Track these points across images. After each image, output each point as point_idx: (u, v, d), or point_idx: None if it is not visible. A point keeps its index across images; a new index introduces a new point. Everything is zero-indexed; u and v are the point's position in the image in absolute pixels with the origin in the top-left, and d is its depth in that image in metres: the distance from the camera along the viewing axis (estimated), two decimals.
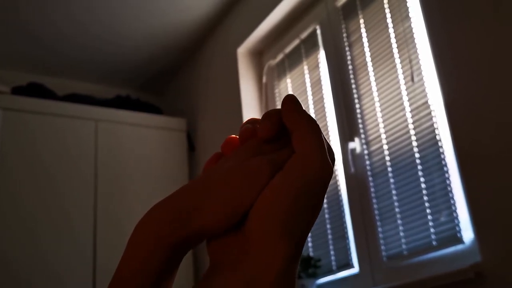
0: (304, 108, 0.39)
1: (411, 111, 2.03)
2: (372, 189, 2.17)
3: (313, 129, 0.38)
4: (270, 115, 0.40)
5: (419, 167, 1.97)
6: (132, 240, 0.37)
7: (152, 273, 0.36)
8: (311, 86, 2.60)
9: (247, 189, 0.37)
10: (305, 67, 2.66)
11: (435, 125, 1.93)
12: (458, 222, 1.80)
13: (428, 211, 1.91)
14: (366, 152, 2.23)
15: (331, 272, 2.34)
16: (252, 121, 0.42)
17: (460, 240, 1.79)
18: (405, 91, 2.07)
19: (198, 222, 0.36)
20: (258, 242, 0.35)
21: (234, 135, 0.42)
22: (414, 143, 2.00)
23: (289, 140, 0.39)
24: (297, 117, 0.39)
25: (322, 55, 2.57)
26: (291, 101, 0.40)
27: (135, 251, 0.37)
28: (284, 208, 0.36)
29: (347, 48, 2.40)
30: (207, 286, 0.35)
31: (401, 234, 2.01)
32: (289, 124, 0.39)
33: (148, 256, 0.36)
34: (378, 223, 2.11)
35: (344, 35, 2.42)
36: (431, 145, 1.94)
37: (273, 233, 0.35)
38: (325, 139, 0.39)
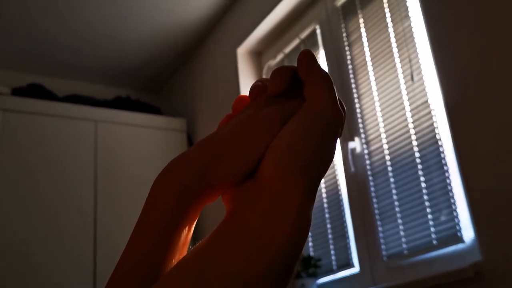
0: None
1: (411, 111, 2.04)
2: (372, 189, 2.17)
3: (326, 78, 0.40)
4: (280, 71, 0.41)
5: (419, 166, 1.97)
6: (155, 191, 0.38)
7: (175, 223, 0.37)
8: None
9: (260, 136, 0.38)
10: None
11: (435, 125, 1.93)
12: (458, 221, 1.81)
13: (428, 210, 1.91)
14: (366, 151, 2.23)
15: (331, 271, 2.34)
16: (261, 80, 0.43)
17: (460, 240, 1.79)
18: (405, 91, 2.07)
19: (220, 171, 0.37)
20: (276, 183, 0.36)
21: (244, 94, 0.43)
22: (414, 143, 2.00)
23: (299, 94, 0.40)
24: (311, 66, 0.40)
25: (321, 54, 2.57)
26: (307, 52, 0.41)
27: (157, 202, 0.38)
28: (298, 146, 0.36)
29: (346, 48, 2.40)
30: (226, 227, 0.35)
31: (401, 233, 2.01)
32: (303, 72, 0.41)
33: (174, 205, 0.37)
34: (378, 223, 2.11)
35: (344, 34, 2.42)
36: (431, 144, 1.94)
37: (290, 171, 0.36)
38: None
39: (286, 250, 0.33)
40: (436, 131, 1.92)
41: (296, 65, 0.42)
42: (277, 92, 0.40)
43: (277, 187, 0.35)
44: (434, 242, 1.88)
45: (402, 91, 2.08)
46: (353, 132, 2.30)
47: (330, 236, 2.38)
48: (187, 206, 0.38)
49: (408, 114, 2.04)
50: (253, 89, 0.42)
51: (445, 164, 1.88)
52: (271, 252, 0.32)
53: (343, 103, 0.41)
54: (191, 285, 0.31)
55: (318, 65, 0.41)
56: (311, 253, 2.45)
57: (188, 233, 0.40)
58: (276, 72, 0.41)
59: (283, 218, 0.34)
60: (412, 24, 2.08)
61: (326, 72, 0.40)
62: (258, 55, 3.07)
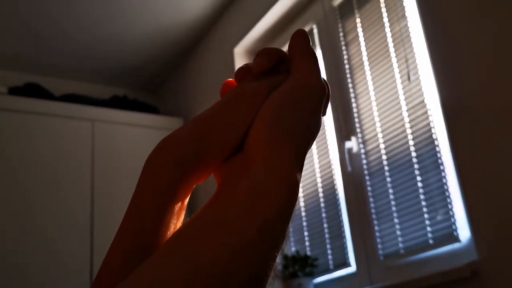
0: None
1: (407, 110, 2.04)
2: (368, 188, 2.17)
3: (312, 54, 0.41)
4: (265, 50, 0.42)
5: (416, 166, 1.98)
6: (150, 164, 0.39)
7: (167, 190, 0.38)
8: None
9: (246, 107, 0.39)
10: None
11: (431, 124, 1.93)
12: (455, 220, 1.81)
13: (424, 209, 1.92)
14: (362, 151, 2.23)
15: (328, 271, 2.34)
16: (247, 63, 0.44)
17: (456, 239, 1.80)
18: (402, 90, 2.07)
19: (209, 141, 0.38)
20: (264, 151, 0.36)
21: (230, 79, 0.44)
22: (411, 142, 2.01)
23: (286, 71, 0.42)
24: (301, 44, 0.42)
25: (318, 54, 2.57)
26: (301, 31, 0.43)
27: (153, 175, 0.38)
28: (283, 114, 0.38)
29: (343, 48, 2.40)
30: (216, 199, 0.36)
31: (398, 232, 2.01)
32: (291, 49, 0.42)
33: (164, 172, 0.38)
34: (375, 222, 2.12)
35: (341, 34, 2.43)
36: (427, 144, 1.94)
37: (276, 139, 0.37)
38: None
39: (275, 216, 0.33)
40: (433, 130, 1.93)
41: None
42: (262, 70, 0.41)
43: (266, 155, 0.36)
44: (431, 241, 1.89)
45: (398, 91, 2.09)
46: (350, 132, 2.30)
47: (326, 235, 2.38)
48: (181, 179, 0.38)
49: (405, 114, 2.05)
50: (238, 71, 0.43)
51: (442, 164, 1.88)
52: (261, 219, 0.32)
53: (328, 83, 0.42)
54: (182, 260, 0.30)
55: (308, 44, 0.42)
56: (308, 253, 2.46)
57: (181, 206, 0.40)
58: (260, 51, 0.42)
59: (272, 185, 0.34)
60: (408, 24, 2.08)
61: (313, 50, 0.42)
62: (255, 54, 3.07)
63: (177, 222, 0.40)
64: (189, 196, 0.40)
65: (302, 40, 0.43)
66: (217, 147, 0.39)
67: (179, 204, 0.39)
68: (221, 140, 0.39)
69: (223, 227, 0.32)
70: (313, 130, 0.39)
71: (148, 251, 0.37)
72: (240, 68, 0.43)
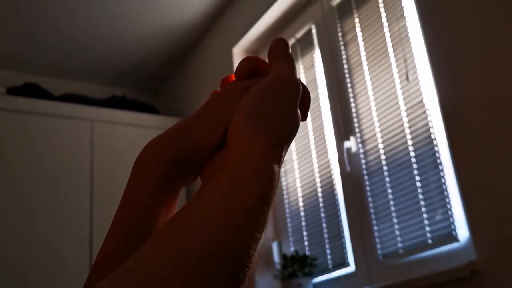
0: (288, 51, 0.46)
1: (406, 110, 2.04)
2: (367, 188, 2.17)
3: (288, 57, 0.45)
4: (245, 58, 0.47)
5: (415, 165, 1.98)
6: (139, 158, 0.43)
7: (158, 185, 0.41)
8: (307, 85, 2.60)
9: (226, 104, 0.43)
10: (301, 67, 2.66)
11: (430, 124, 1.93)
12: (453, 220, 1.81)
13: (423, 209, 1.92)
14: (361, 151, 2.23)
15: (327, 271, 2.34)
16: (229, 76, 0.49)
17: (455, 239, 1.80)
18: (400, 90, 2.07)
19: (194, 138, 0.42)
20: (238, 140, 0.39)
21: (215, 90, 0.48)
22: (410, 142, 2.01)
23: (264, 75, 0.45)
24: (279, 49, 0.46)
25: (317, 54, 2.57)
26: (280, 39, 0.47)
27: (142, 166, 0.42)
28: (257, 106, 0.41)
29: (342, 48, 2.40)
30: (198, 193, 0.38)
31: (397, 232, 2.02)
32: (270, 54, 0.46)
33: (154, 168, 0.41)
34: (374, 222, 2.12)
35: (339, 34, 2.43)
36: (426, 143, 1.95)
37: (250, 130, 0.39)
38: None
39: (254, 203, 0.35)
40: (431, 130, 1.93)
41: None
42: (242, 73, 0.46)
43: (243, 145, 0.39)
44: (429, 241, 1.89)
45: (397, 91, 2.09)
46: (349, 132, 2.30)
47: (325, 235, 2.39)
48: (169, 176, 0.42)
49: (404, 114, 2.05)
50: (221, 82, 0.48)
51: (440, 164, 1.88)
52: (241, 206, 0.34)
53: (305, 85, 0.46)
54: (166, 251, 0.31)
55: (286, 50, 0.46)
56: (307, 252, 2.46)
57: (172, 201, 0.43)
58: (242, 59, 0.47)
59: (248, 173, 0.36)
60: (407, 24, 2.08)
61: (291, 55, 0.45)
62: (254, 54, 3.07)
63: (167, 217, 0.42)
64: (178, 192, 0.43)
65: (280, 46, 0.46)
66: (200, 144, 0.42)
67: (169, 199, 0.42)
68: (204, 137, 0.42)
69: (204, 219, 0.33)
70: (290, 122, 0.41)
71: (141, 238, 0.39)
72: (223, 79, 0.48)
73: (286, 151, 0.41)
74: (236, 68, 0.46)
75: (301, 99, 0.44)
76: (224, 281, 0.31)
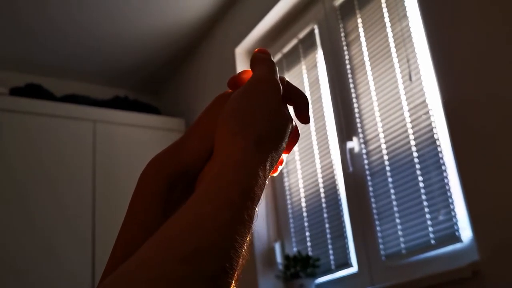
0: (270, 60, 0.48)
1: (409, 110, 2.04)
2: (370, 188, 2.17)
3: (267, 60, 0.47)
4: (258, 50, 0.50)
5: (417, 166, 1.97)
6: (142, 173, 0.46)
7: (157, 200, 0.44)
8: (309, 86, 2.60)
9: (212, 111, 0.46)
10: (303, 67, 2.66)
11: (433, 124, 1.93)
12: (456, 221, 1.81)
13: (426, 210, 1.92)
14: (364, 151, 2.23)
15: (329, 271, 2.34)
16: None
17: (458, 239, 1.80)
18: (403, 90, 2.07)
19: (187, 152, 0.45)
20: (222, 144, 0.42)
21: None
22: (412, 142, 2.00)
23: None
24: (260, 56, 0.48)
25: (320, 54, 2.57)
26: (260, 49, 0.50)
27: (141, 184, 0.45)
28: (238, 106, 0.43)
29: (345, 48, 2.40)
30: (190, 198, 0.39)
31: (400, 233, 2.01)
32: (251, 62, 0.48)
33: (152, 185, 0.44)
34: (377, 222, 2.12)
35: (342, 34, 2.42)
36: (429, 144, 1.94)
37: (230, 130, 0.42)
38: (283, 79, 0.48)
39: (233, 200, 0.36)
40: (434, 130, 1.92)
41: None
42: (231, 86, 0.49)
43: (225, 148, 0.41)
44: (432, 241, 1.88)
45: (400, 91, 2.08)
46: (351, 132, 2.30)
47: (328, 235, 2.38)
48: (166, 185, 0.45)
49: (406, 114, 2.04)
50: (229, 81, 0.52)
51: (443, 164, 1.88)
52: (226, 203, 0.36)
53: (292, 85, 0.48)
54: (153, 250, 0.33)
55: (266, 56, 0.48)
56: (310, 253, 2.46)
57: (175, 208, 0.45)
58: (254, 52, 0.50)
59: (229, 172, 0.38)
60: (410, 24, 2.08)
61: (271, 60, 0.47)
62: None
63: None
64: (182, 202, 0.45)
65: (259, 54, 0.48)
66: (194, 156, 0.44)
67: (172, 207, 0.45)
68: (196, 150, 0.45)
69: (190, 217, 0.35)
70: (271, 120, 0.43)
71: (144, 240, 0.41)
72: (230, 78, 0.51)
73: (279, 148, 0.43)
74: (228, 81, 0.49)
75: (294, 100, 0.47)
76: (211, 273, 0.32)
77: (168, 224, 0.35)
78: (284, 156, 0.49)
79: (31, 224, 2.78)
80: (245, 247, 0.36)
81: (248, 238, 0.37)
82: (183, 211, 0.36)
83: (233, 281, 0.34)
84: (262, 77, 0.45)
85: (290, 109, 0.49)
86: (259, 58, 0.48)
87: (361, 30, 2.32)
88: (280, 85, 0.45)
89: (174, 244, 0.33)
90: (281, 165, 0.49)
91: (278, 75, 0.46)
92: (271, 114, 0.43)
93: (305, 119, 0.48)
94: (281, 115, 0.44)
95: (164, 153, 0.46)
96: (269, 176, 0.45)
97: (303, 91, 0.49)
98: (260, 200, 0.41)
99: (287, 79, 0.47)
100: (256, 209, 0.40)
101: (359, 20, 2.34)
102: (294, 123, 0.46)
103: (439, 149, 1.90)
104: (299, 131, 0.49)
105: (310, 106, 2.55)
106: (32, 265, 2.71)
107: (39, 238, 2.77)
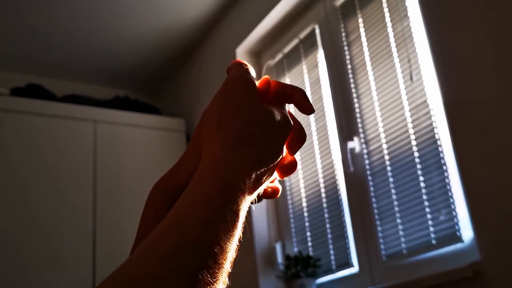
0: (248, 70, 0.49)
1: (410, 110, 2.04)
2: (371, 188, 2.17)
3: (238, 65, 0.49)
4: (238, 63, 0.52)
5: (418, 166, 1.97)
6: (149, 194, 0.47)
7: (162, 215, 0.43)
8: (310, 86, 2.60)
9: (200, 129, 0.45)
10: (304, 67, 2.66)
11: (434, 124, 1.93)
12: (457, 221, 1.81)
13: (427, 210, 1.91)
14: (365, 151, 2.23)
15: (330, 271, 2.34)
16: None
17: (459, 239, 1.80)
18: (404, 90, 2.07)
19: (182, 172, 0.46)
20: (204, 147, 0.43)
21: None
22: (413, 142, 2.00)
23: None
24: (235, 64, 0.50)
25: (321, 54, 2.57)
26: (236, 60, 0.51)
27: (148, 206, 0.46)
28: (212, 112, 0.44)
29: (346, 48, 2.40)
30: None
31: (401, 233, 2.01)
32: (226, 71, 0.49)
33: (157, 204, 0.46)
34: (378, 222, 2.12)
35: (343, 34, 2.42)
36: (430, 144, 1.94)
37: (211, 131, 0.43)
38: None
39: (213, 196, 0.37)
40: (435, 131, 1.92)
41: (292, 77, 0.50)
42: None
43: (206, 150, 0.42)
44: (433, 241, 1.88)
45: (401, 91, 2.08)
46: (352, 132, 2.30)
47: (329, 236, 2.38)
48: (169, 202, 0.45)
49: (407, 114, 2.04)
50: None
51: (444, 164, 1.88)
52: (200, 201, 0.37)
53: (281, 83, 0.49)
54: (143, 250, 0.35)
55: (239, 64, 0.49)
56: (310, 253, 2.46)
57: None
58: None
59: (207, 172, 0.39)
60: (411, 24, 2.08)
61: (241, 63, 0.49)
62: (257, 55, 3.07)
63: None
64: None
65: (235, 62, 0.49)
66: (189, 170, 0.45)
67: None
68: (192, 165, 0.45)
69: (172, 218, 0.37)
70: (248, 116, 0.43)
71: None
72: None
73: (270, 143, 0.43)
74: None
75: (290, 95, 0.47)
76: (192, 270, 0.33)
77: (156, 228, 0.37)
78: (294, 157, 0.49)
79: (33, 224, 2.78)
80: (234, 241, 0.37)
81: (237, 232, 0.38)
82: (168, 214, 0.37)
83: (221, 276, 0.35)
84: (233, 77, 0.46)
85: (291, 109, 0.49)
86: (232, 65, 0.49)
87: (362, 30, 2.32)
88: (254, 81, 0.46)
89: (156, 245, 0.34)
90: (291, 167, 0.48)
91: (252, 75, 0.47)
92: (248, 108, 0.43)
93: (308, 109, 0.47)
94: (260, 109, 0.44)
95: (166, 175, 0.48)
96: (269, 177, 0.45)
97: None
98: (253, 194, 0.42)
99: (287, 80, 0.48)
100: (249, 203, 0.41)
101: (360, 20, 2.33)
102: (291, 122, 0.46)
103: (440, 149, 1.90)
104: (305, 133, 0.48)
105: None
106: (34, 264, 2.71)
107: (41, 237, 2.77)
